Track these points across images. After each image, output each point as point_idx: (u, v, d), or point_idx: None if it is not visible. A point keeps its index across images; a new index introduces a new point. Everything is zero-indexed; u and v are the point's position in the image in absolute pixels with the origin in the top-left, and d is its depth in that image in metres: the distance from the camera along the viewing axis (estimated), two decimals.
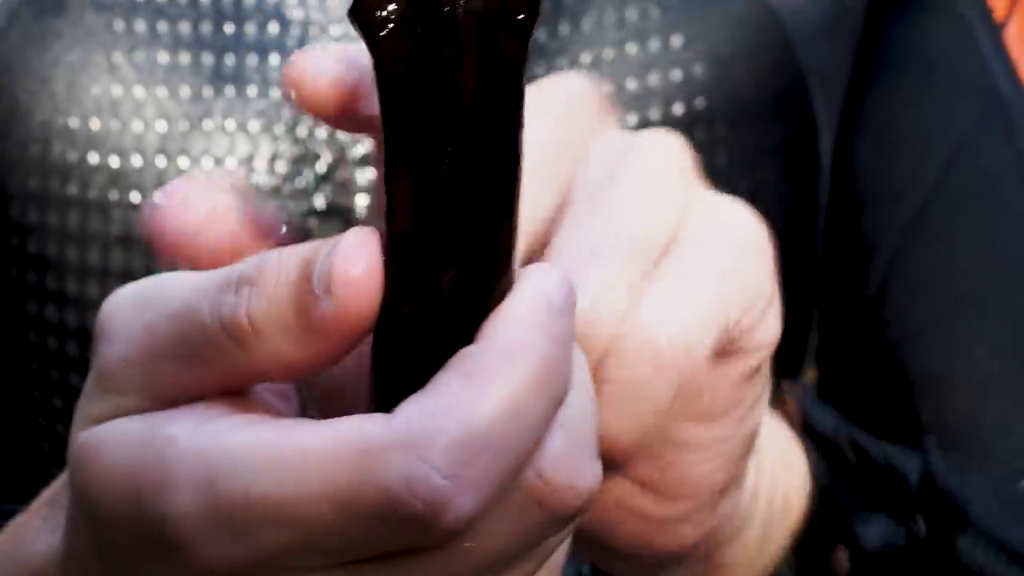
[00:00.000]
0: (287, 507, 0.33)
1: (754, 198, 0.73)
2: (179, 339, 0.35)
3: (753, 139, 0.76)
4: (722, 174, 0.71)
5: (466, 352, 0.33)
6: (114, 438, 0.36)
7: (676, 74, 0.72)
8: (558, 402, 0.34)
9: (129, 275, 0.67)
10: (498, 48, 0.34)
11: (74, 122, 0.70)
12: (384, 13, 0.33)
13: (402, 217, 0.35)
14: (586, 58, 0.73)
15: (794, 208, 0.76)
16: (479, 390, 0.32)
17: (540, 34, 0.74)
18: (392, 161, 0.34)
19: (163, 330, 0.35)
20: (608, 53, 0.73)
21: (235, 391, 0.37)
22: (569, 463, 0.34)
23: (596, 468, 0.36)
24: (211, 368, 0.35)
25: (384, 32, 0.34)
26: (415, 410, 0.32)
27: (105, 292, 0.66)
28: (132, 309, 0.37)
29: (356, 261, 0.33)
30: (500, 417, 0.32)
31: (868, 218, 0.77)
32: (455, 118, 0.34)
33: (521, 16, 0.34)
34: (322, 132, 0.71)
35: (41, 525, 0.43)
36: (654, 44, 0.72)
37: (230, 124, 0.70)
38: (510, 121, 0.35)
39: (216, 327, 0.34)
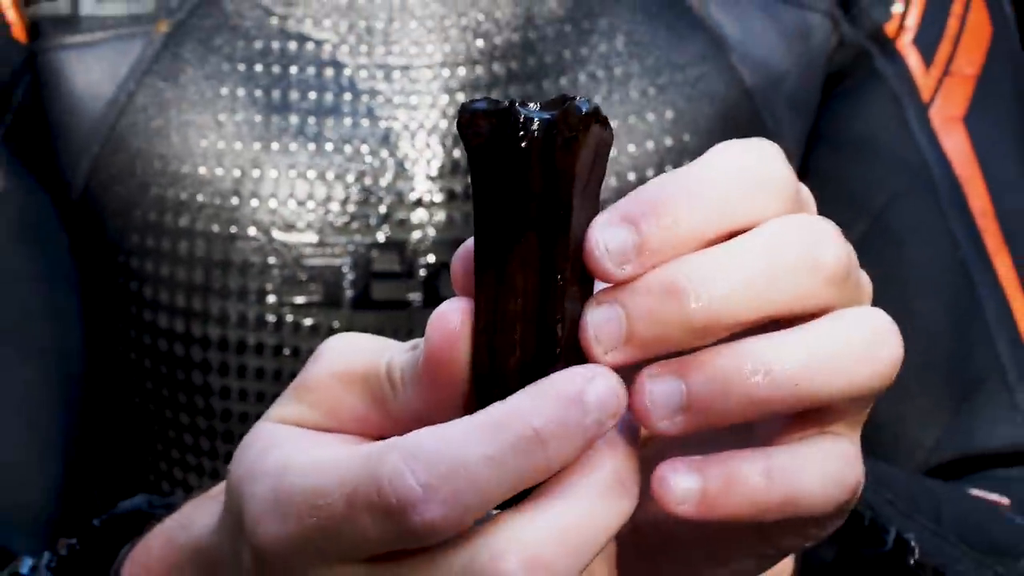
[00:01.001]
0: (313, 496, 0.37)
1: None
2: (361, 384, 0.39)
3: None
4: None
5: (489, 408, 0.36)
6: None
7: (667, 141, 0.77)
8: (537, 475, 0.36)
9: (226, 293, 0.74)
10: (554, 163, 0.37)
11: (186, 168, 0.76)
12: (479, 134, 0.37)
13: (481, 306, 0.38)
14: None
15: None
16: (471, 436, 0.35)
17: None
18: (478, 257, 0.38)
19: (355, 373, 0.39)
20: (613, 123, 0.74)
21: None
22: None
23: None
24: (373, 408, 0.39)
25: (477, 146, 0.37)
26: (425, 434, 0.36)
27: (205, 305, 0.75)
28: (344, 347, 0.41)
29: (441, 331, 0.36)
30: (478, 459, 0.34)
31: None
32: (525, 215, 0.37)
33: (571, 134, 0.37)
34: (384, 181, 0.76)
35: (206, 508, 0.46)
36: (651, 116, 0.77)
37: (311, 173, 0.75)
38: (564, 216, 0.37)
39: (383, 380, 0.39)
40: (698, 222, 0.37)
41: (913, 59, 0.80)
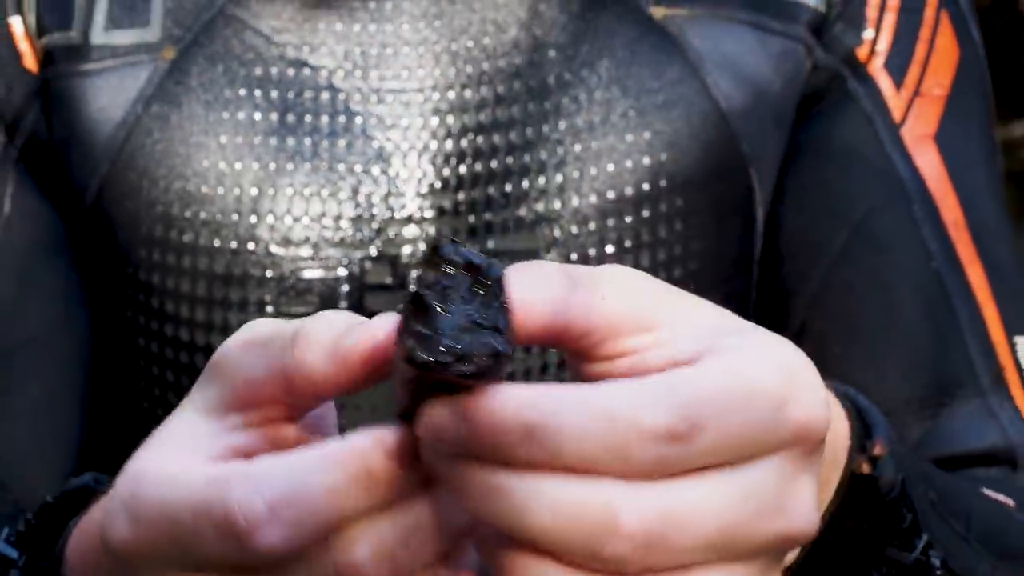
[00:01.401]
0: (161, 507, 0.39)
1: (703, 255, 0.80)
2: (263, 349, 0.42)
3: (702, 210, 0.80)
4: (679, 237, 0.80)
5: (336, 443, 0.38)
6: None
7: (645, 160, 0.78)
8: (370, 510, 0.38)
9: (227, 303, 0.76)
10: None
11: (190, 187, 0.77)
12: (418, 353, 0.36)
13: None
14: (577, 148, 0.79)
15: (735, 263, 0.82)
16: (315, 467, 0.37)
17: (544, 127, 0.79)
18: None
19: (259, 339, 0.42)
20: (595, 144, 0.79)
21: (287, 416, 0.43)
22: (356, 567, 0.39)
23: None
24: (270, 374, 0.41)
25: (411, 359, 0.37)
26: (272, 462, 0.38)
27: (209, 316, 0.78)
28: (255, 323, 0.43)
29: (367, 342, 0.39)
30: (318, 490, 0.37)
31: (790, 269, 0.82)
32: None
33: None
34: (376, 198, 0.78)
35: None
36: (630, 137, 0.78)
37: (307, 191, 0.77)
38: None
39: (287, 342, 0.40)
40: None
41: (884, 81, 0.81)
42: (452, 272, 0.37)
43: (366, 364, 0.39)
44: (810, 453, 0.39)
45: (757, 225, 0.82)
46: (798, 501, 0.38)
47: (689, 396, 0.36)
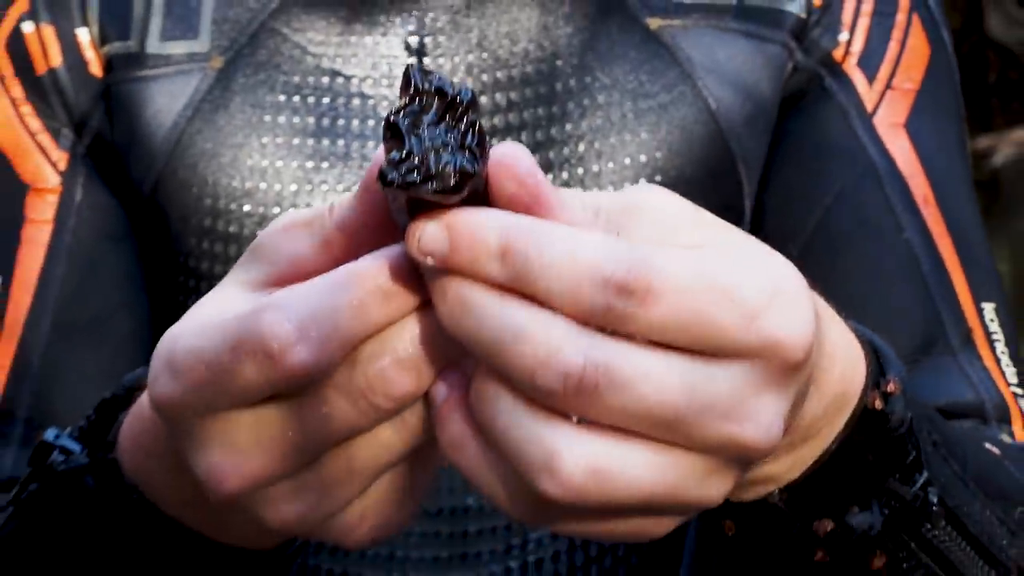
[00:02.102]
0: (200, 352, 0.41)
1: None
2: (304, 228, 0.44)
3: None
4: None
5: (349, 266, 0.41)
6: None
7: (642, 158, 0.80)
8: (388, 323, 0.40)
9: None
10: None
11: (235, 182, 0.79)
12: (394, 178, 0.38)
13: None
14: (581, 148, 0.80)
15: None
16: (334, 289, 0.40)
17: (553, 130, 0.81)
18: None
19: (300, 221, 0.44)
20: (597, 145, 0.80)
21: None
22: (381, 374, 0.41)
23: (404, 382, 0.41)
24: (312, 248, 0.43)
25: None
26: (298, 288, 0.41)
27: None
28: (292, 211, 0.47)
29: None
30: (339, 308, 0.39)
31: (772, 246, 0.83)
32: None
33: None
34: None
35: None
36: (627, 137, 0.80)
37: (339, 187, 0.79)
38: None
39: (326, 217, 0.43)
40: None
41: (858, 77, 0.83)
42: (424, 99, 0.39)
43: (378, 201, 0.41)
44: (784, 371, 0.40)
45: (745, 216, 0.84)
46: (757, 413, 0.39)
47: (654, 263, 0.37)
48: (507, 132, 0.80)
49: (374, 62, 0.81)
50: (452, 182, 0.37)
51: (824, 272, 0.79)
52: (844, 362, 0.51)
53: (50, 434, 0.59)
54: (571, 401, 0.37)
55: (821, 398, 0.48)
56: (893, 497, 0.54)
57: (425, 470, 0.46)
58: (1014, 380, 0.80)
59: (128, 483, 0.55)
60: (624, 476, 0.38)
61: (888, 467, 0.54)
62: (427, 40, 0.82)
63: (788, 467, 0.52)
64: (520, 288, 0.38)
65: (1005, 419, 0.78)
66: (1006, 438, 0.76)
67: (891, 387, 0.52)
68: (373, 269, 0.40)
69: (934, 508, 0.54)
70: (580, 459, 0.38)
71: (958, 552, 0.57)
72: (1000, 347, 0.80)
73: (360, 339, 0.40)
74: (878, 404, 0.52)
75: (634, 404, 0.37)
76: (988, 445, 0.68)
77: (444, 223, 0.38)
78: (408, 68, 0.39)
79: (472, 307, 0.38)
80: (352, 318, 0.39)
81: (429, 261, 0.38)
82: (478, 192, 0.40)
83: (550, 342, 0.37)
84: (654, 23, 0.82)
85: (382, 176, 0.37)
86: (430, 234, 0.38)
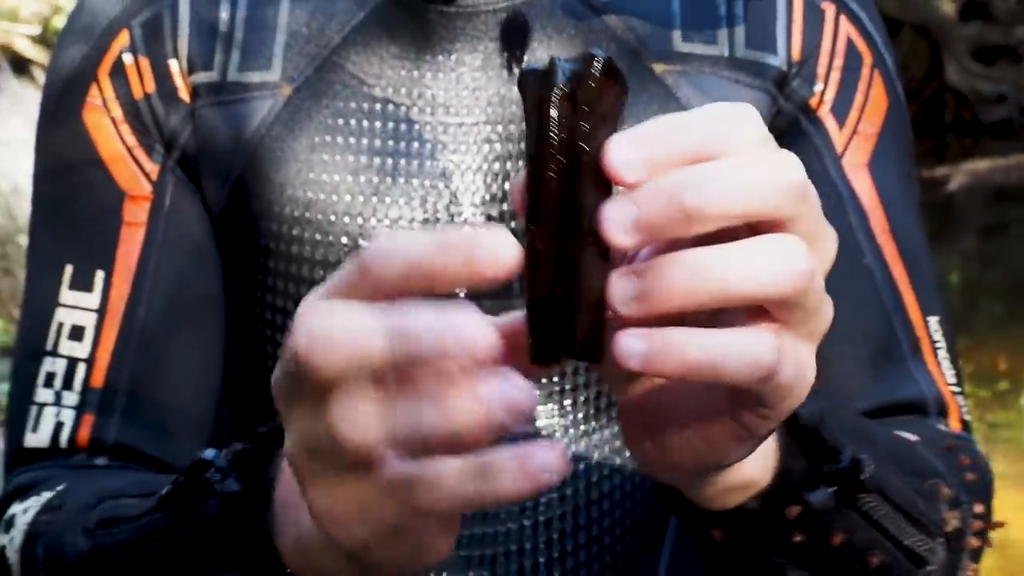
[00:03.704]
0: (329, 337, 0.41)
1: None
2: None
3: None
4: None
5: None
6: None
7: None
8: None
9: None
10: (577, 97, 0.42)
11: (298, 193, 0.82)
12: (531, 87, 0.42)
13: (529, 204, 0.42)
14: None
15: None
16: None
17: None
18: (529, 175, 0.42)
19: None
20: None
21: None
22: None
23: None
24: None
25: (529, 97, 0.42)
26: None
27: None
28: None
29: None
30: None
31: None
32: (559, 139, 0.41)
33: (590, 79, 0.42)
34: (440, 206, 0.82)
35: None
36: None
37: (387, 199, 0.82)
38: (588, 134, 0.42)
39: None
40: (688, 146, 0.42)
41: (830, 123, 0.87)
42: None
43: None
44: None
45: None
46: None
47: None
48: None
49: (419, 92, 0.84)
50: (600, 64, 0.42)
51: None
52: None
53: (207, 453, 0.60)
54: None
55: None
56: (833, 479, 0.60)
57: None
58: (952, 380, 0.85)
59: (268, 519, 0.56)
60: None
61: (821, 457, 0.60)
62: (465, 77, 0.85)
63: (761, 474, 0.58)
64: None
65: (943, 413, 0.84)
66: (942, 427, 0.83)
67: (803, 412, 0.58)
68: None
69: (865, 477, 0.60)
70: None
71: (892, 520, 0.63)
72: (942, 353, 0.86)
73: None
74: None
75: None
76: (904, 434, 0.73)
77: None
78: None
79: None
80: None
81: None
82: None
83: None
84: (658, 67, 0.85)
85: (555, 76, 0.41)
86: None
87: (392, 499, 0.42)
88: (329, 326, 0.41)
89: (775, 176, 0.43)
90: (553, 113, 0.41)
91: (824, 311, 0.46)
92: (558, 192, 0.42)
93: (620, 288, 0.42)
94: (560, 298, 0.43)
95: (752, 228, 0.43)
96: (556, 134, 0.41)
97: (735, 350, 0.43)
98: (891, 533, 0.64)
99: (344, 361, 0.41)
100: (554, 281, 0.43)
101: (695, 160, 0.42)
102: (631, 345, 0.42)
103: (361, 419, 0.41)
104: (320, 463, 0.44)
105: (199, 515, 0.60)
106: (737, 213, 0.42)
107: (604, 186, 0.43)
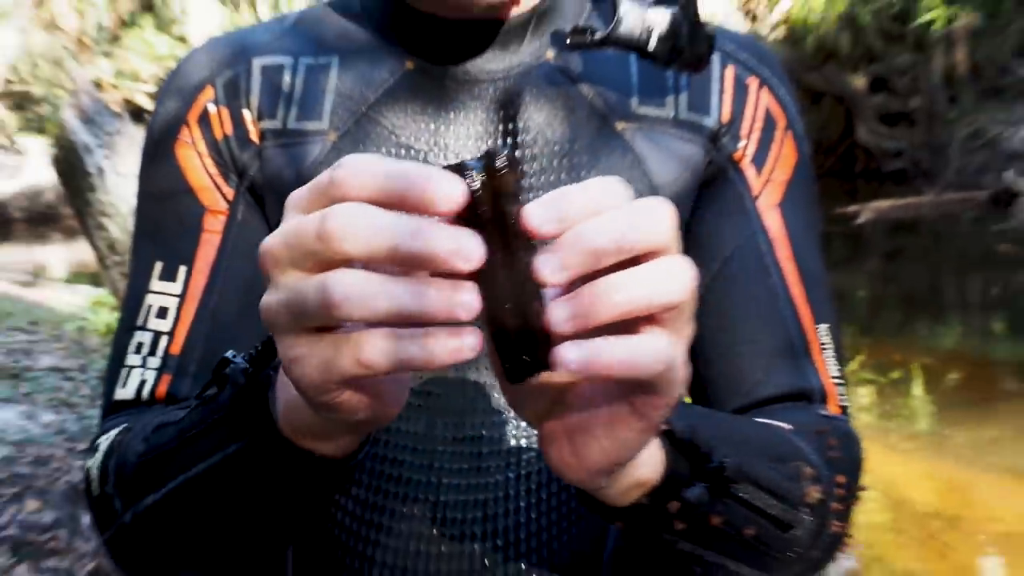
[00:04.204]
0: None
1: None
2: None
3: None
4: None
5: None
6: None
7: None
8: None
9: None
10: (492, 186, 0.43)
11: None
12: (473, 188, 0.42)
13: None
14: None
15: None
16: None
17: (552, 191, 0.79)
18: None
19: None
20: None
21: None
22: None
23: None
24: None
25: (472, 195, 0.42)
26: None
27: None
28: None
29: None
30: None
31: None
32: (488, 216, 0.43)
33: (495, 172, 0.43)
34: None
35: None
36: None
37: None
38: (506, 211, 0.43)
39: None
40: (585, 207, 0.44)
41: (750, 172, 0.85)
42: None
43: None
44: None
45: None
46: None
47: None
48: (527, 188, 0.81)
49: (435, 140, 0.82)
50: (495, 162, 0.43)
51: (720, 300, 0.84)
52: None
53: (229, 353, 0.62)
54: None
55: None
56: (706, 477, 0.61)
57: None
58: (836, 374, 0.84)
59: (270, 397, 0.58)
60: None
61: (697, 460, 0.61)
62: (471, 129, 0.83)
63: (651, 475, 0.58)
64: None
65: (825, 400, 0.83)
66: (823, 412, 0.82)
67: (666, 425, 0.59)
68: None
69: (731, 473, 0.61)
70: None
71: (762, 500, 0.64)
72: (828, 353, 0.84)
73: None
74: (665, 426, 0.60)
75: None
76: (780, 424, 0.73)
77: None
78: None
79: None
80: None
81: None
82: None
83: None
84: (620, 125, 0.83)
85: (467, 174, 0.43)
86: None
87: (347, 354, 0.43)
88: (357, 218, 0.42)
89: (652, 223, 0.45)
90: (478, 194, 0.43)
91: (692, 321, 0.48)
92: (499, 252, 0.43)
93: (557, 312, 0.44)
94: (518, 330, 0.45)
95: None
96: (485, 208, 0.43)
97: (644, 349, 0.44)
98: (761, 509, 0.64)
99: (363, 244, 0.42)
100: (508, 315, 0.44)
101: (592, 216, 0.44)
102: (570, 354, 0.43)
103: (351, 289, 0.42)
104: (295, 318, 0.45)
105: (218, 398, 0.62)
106: (625, 254, 0.44)
107: (530, 244, 0.44)
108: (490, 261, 0.43)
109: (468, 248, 0.42)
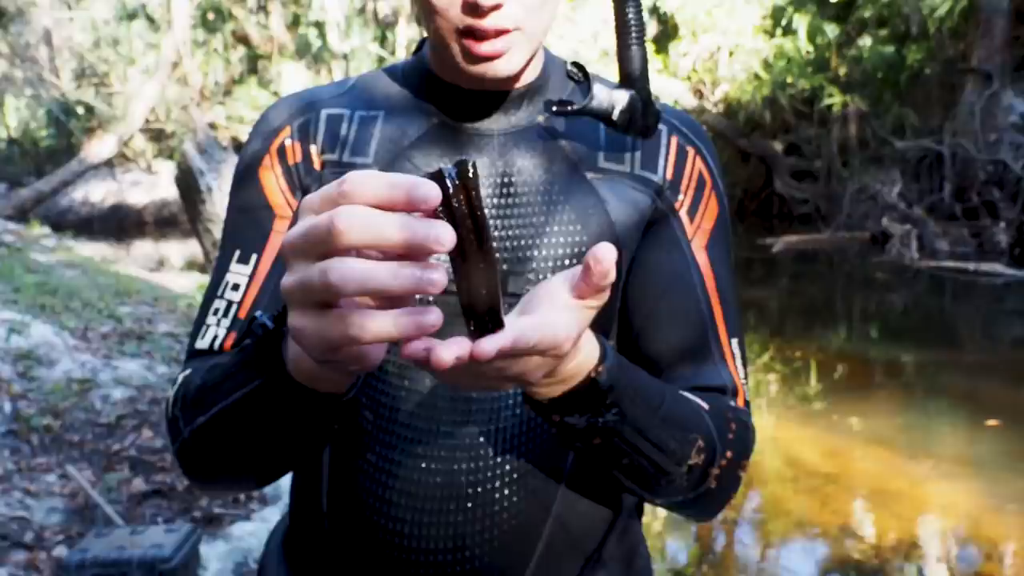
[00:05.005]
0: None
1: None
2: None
3: None
4: None
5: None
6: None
7: (577, 246, 0.78)
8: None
9: None
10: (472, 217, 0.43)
11: None
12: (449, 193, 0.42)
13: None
14: (545, 237, 0.77)
15: (613, 301, 0.81)
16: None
17: (532, 226, 0.77)
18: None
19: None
20: (556, 236, 0.77)
21: None
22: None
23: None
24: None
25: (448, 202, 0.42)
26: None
27: None
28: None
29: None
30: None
31: (633, 305, 0.82)
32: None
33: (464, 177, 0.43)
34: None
35: None
36: (568, 228, 0.78)
37: None
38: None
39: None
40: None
41: (685, 219, 0.83)
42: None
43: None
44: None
45: (622, 278, 0.82)
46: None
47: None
48: (509, 222, 0.78)
49: None
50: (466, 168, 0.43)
51: (660, 315, 0.82)
52: (586, 356, 0.59)
53: (257, 313, 0.63)
54: None
55: (573, 364, 0.58)
56: (598, 414, 0.63)
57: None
58: (742, 376, 0.82)
59: (283, 347, 0.59)
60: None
61: (594, 407, 0.62)
62: (479, 168, 0.78)
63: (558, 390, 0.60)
64: None
65: (734, 395, 0.81)
66: (733, 403, 0.80)
67: (600, 370, 0.61)
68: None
69: (611, 418, 0.63)
70: None
71: (644, 445, 0.66)
72: (738, 360, 0.83)
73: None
74: (594, 373, 0.61)
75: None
76: (698, 401, 0.74)
77: None
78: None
79: None
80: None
81: None
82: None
83: None
84: (589, 175, 0.80)
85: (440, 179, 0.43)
86: None
87: (340, 329, 0.44)
88: (357, 217, 0.42)
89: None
90: (456, 197, 0.43)
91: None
92: (473, 242, 0.44)
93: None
94: (485, 307, 0.46)
95: None
96: (460, 203, 0.43)
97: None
98: (639, 450, 0.67)
99: (358, 236, 0.42)
100: (476, 295, 0.45)
101: None
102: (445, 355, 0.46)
103: (344, 271, 0.42)
104: (304, 295, 0.45)
105: (246, 346, 0.64)
106: None
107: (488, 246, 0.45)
108: (465, 250, 0.43)
109: (441, 233, 0.42)
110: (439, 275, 0.43)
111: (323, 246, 0.43)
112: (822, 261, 10.61)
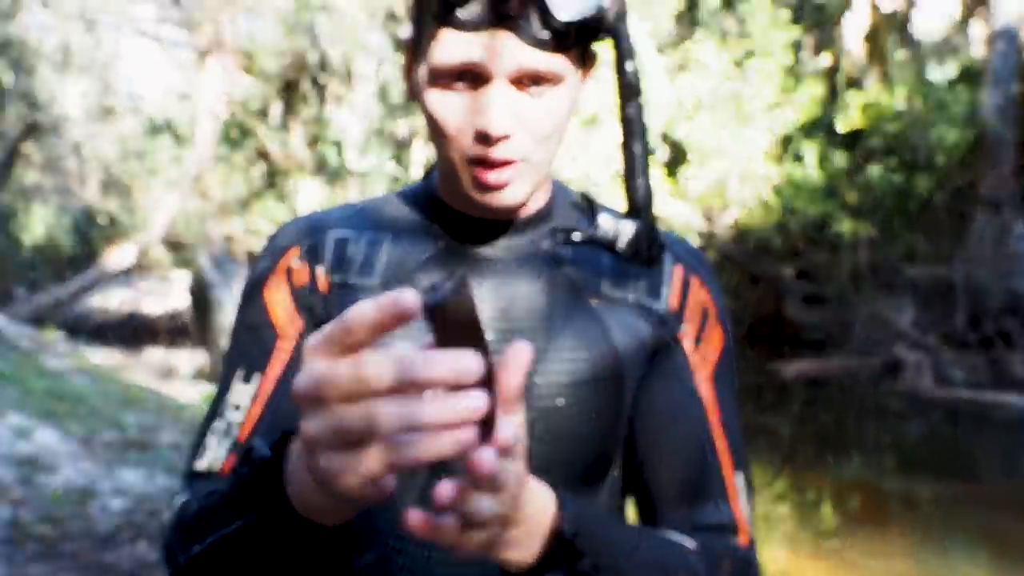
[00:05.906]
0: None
1: (603, 413, 0.79)
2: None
3: (608, 398, 0.80)
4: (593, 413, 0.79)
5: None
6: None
7: (581, 376, 0.79)
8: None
9: None
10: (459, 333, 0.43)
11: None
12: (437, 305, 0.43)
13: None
14: (549, 362, 0.78)
15: (608, 421, 0.80)
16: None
17: (535, 350, 0.76)
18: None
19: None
20: (560, 362, 0.78)
21: None
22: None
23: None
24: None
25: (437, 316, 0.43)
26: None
27: None
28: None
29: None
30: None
31: (640, 434, 0.82)
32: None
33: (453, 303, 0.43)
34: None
35: None
36: (573, 355, 0.78)
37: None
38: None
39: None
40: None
41: (689, 350, 0.83)
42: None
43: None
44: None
45: (626, 402, 0.82)
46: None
47: None
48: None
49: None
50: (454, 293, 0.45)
51: (661, 449, 0.81)
52: (542, 505, 0.59)
53: (255, 441, 0.62)
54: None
55: (528, 523, 0.57)
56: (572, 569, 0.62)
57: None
58: (746, 513, 0.81)
59: (283, 476, 0.58)
60: None
61: (563, 558, 0.61)
62: (485, 285, 0.80)
63: (529, 555, 0.60)
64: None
65: (736, 532, 0.80)
66: (733, 542, 0.79)
67: (561, 518, 0.60)
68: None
69: (586, 563, 0.62)
70: None
71: None
72: (742, 496, 0.81)
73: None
74: (556, 523, 0.61)
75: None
76: (682, 542, 0.73)
77: None
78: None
79: None
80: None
81: None
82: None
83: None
84: (593, 301, 0.81)
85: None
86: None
87: (378, 459, 0.45)
88: (383, 364, 0.44)
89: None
90: (455, 312, 0.44)
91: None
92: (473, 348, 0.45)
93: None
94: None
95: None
96: (459, 313, 0.44)
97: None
98: None
99: (390, 379, 0.43)
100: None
101: None
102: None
103: (391, 414, 0.44)
104: (339, 439, 0.45)
105: (242, 474, 0.62)
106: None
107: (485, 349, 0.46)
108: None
109: (466, 365, 0.43)
110: (475, 400, 0.44)
111: (353, 393, 0.44)
112: (834, 387, 10.50)
